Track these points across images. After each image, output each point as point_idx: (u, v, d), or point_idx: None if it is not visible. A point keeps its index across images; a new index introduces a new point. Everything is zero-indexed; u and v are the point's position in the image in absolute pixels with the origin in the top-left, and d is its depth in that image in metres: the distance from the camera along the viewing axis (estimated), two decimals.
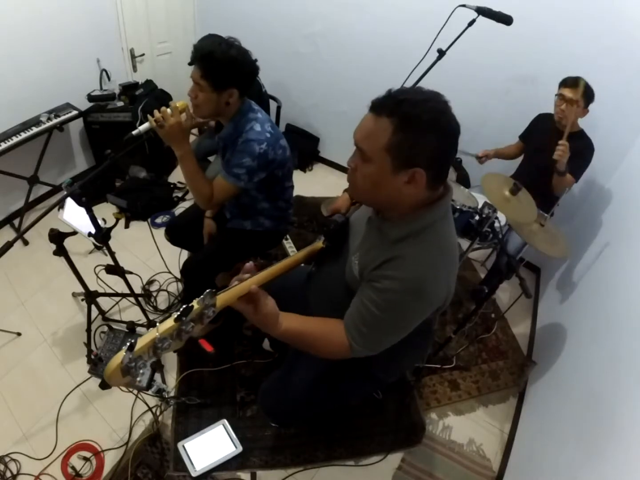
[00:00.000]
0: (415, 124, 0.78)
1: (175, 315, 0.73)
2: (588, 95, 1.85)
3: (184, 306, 0.74)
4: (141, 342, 0.71)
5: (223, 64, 1.33)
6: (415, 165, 0.81)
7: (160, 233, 1.95)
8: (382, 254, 0.90)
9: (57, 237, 1.52)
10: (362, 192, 0.93)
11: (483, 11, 1.64)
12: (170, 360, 1.91)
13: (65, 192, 1.27)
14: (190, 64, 1.39)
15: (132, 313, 2.08)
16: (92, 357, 1.80)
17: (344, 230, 1.15)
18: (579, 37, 2.01)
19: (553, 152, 2.03)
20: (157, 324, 0.73)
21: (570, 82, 1.87)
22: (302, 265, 1.16)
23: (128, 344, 0.69)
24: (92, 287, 1.92)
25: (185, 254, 2.30)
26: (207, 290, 0.77)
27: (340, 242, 1.14)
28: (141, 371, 0.72)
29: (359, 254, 1.00)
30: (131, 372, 0.71)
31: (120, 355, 0.69)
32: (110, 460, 1.58)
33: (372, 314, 0.91)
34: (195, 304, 0.76)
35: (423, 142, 0.79)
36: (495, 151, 2.30)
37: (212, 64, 1.33)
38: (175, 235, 1.90)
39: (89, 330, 1.85)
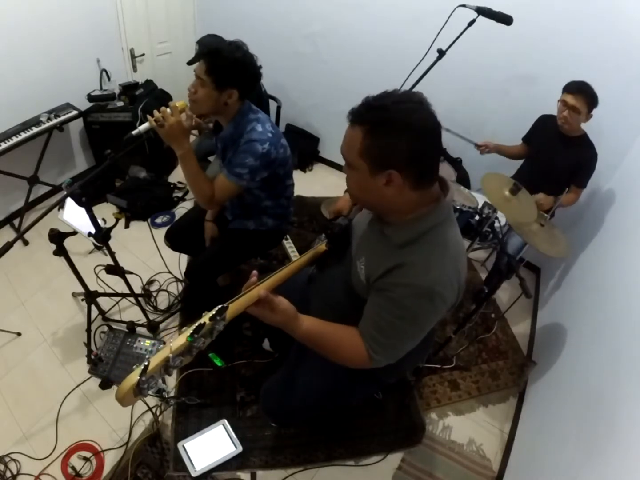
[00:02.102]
0: (383, 127, 0.80)
1: (188, 333, 0.73)
2: (592, 101, 1.84)
3: (197, 324, 0.74)
4: (154, 362, 0.71)
5: (229, 63, 1.34)
6: (389, 167, 0.81)
7: (160, 233, 1.95)
8: (389, 259, 0.90)
9: (57, 237, 1.52)
10: (356, 197, 0.97)
11: (483, 11, 1.64)
12: None
13: (65, 192, 1.27)
14: (190, 62, 1.40)
15: (132, 313, 2.08)
16: (92, 357, 1.80)
17: (347, 233, 1.15)
18: (579, 37, 2.01)
19: (555, 154, 2.03)
20: (170, 343, 0.73)
21: (575, 89, 1.85)
22: None
23: (142, 366, 0.69)
24: (92, 287, 1.92)
25: (185, 255, 2.30)
26: (219, 306, 0.77)
27: (343, 245, 1.14)
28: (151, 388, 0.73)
29: (365, 258, 0.99)
30: (143, 392, 0.71)
31: (134, 378, 0.69)
32: (110, 460, 1.58)
33: (388, 323, 0.91)
34: (206, 320, 0.76)
35: (393, 144, 0.80)
36: (496, 145, 2.28)
37: (218, 60, 1.34)
38: (176, 241, 1.90)
39: (89, 330, 1.85)
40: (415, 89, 1.70)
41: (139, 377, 0.68)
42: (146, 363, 0.69)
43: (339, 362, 0.99)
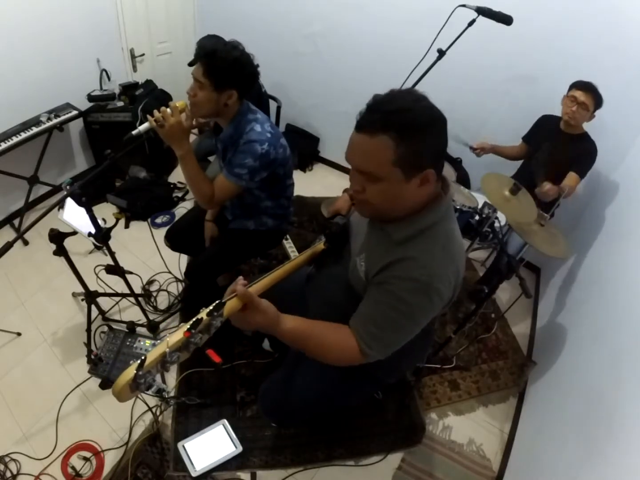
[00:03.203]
0: (414, 130, 0.78)
1: (185, 328, 0.73)
2: (598, 101, 1.86)
3: (193, 319, 0.74)
4: (150, 357, 0.71)
5: (226, 64, 1.34)
6: (426, 167, 0.82)
7: (160, 233, 1.95)
8: (388, 255, 0.90)
9: (57, 237, 1.52)
10: (377, 208, 0.89)
11: (483, 11, 1.64)
12: None
13: (65, 192, 1.27)
14: (191, 63, 1.39)
15: (132, 313, 2.08)
16: (92, 357, 1.80)
17: (345, 232, 1.15)
18: (579, 37, 2.01)
19: (556, 152, 2.03)
20: (167, 338, 0.73)
21: (584, 86, 1.87)
22: None
23: (139, 361, 0.69)
24: (92, 287, 1.92)
25: (185, 255, 2.30)
26: (217, 302, 0.77)
27: (342, 244, 1.14)
28: (148, 384, 0.72)
29: (364, 255, 0.99)
30: (140, 387, 0.70)
31: (130, 373, 0.69)
32: (110, 460, 1.58)
33: (385, 316, 0.90)
34: (204, 315, 0.76)
35: (427, 143, 0.80)
36: (493, 147, 2.27)
37: (215, 62, 1.33)
38: (176, 242, 1.90)
39: (89, 330, 1.85)
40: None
41: (135, 372, 0.68)
42: (143, 358, 0.69)
43: (331, 361, 0.97)
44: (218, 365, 0.86)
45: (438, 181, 0.89)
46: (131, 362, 0.70)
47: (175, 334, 0.74)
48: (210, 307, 0.77)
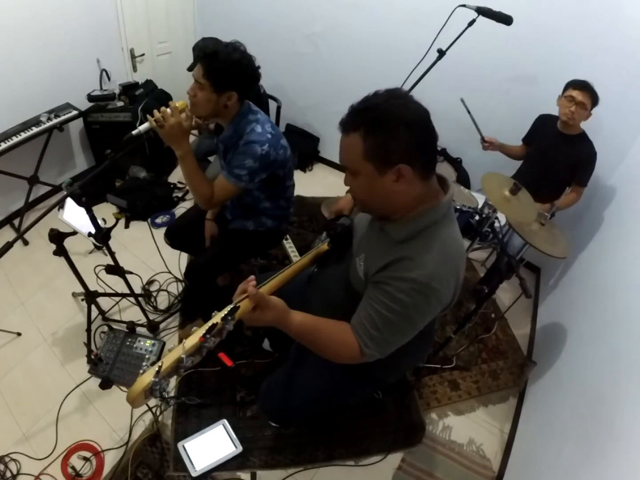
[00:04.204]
0: (380, 125, 0.81)
1: (200, 333, 0.74)
2: (595, 99, 1.86)
3: (209, 324, 0.75)
4: (167, 363, 0.71)
5: (226, 65, 1.34)
6: (397, 162, 0.82)
7: (160, 233, 1.95)
8: (388, 254, 0.90)
9: (57, 237, 1.52)
10: (364, 203, 0.96)
11: (483, 11, 1.64)
12: None
13: (65, 192, 1.27)
14: (190, 68, 1.39)
15: (132, 313, 2.08)
16: (92, 357, 1.80)
17: (350, 233, 1.15)
18: (579, 37, 2.01)
19: (555, 153, 2.04)
20: (183, 343, 0.74)
21: (580, 85, 1.87)
22: None
23: (156, 367, 0.70)
24: (92, 287, 1.92)
25: (185, 255, 2.30)
26: (230, 306, 0.78)
27: (346, 245, 1.14)
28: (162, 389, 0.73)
29: (364, 255, 1.00)
30: (154, 393, 0.71)
31: (147, 380, 0.69)
32: (110, 460, 1.58)
33: (382, 316, 0.90)
34: (218, 320, 0.76)
35: (393, 139, 0.81)
36: (501, 145, 2.27)
37: (215, 63, 1.33)
38: (176, 239, 1.90)
39: (89, 330, 1.85)
40: (415, 89, 1.70)
41: (152, 379, 0.69)
42: (160, 364, 0.70)
43: (331, 357, 0.98)
44: (230, 368, 0.87)
45: (425, 179, 0.88)
46: (144, 365, 0.71)
47: (190, 339, 0.75)
48: (225, 312, 0.78)
